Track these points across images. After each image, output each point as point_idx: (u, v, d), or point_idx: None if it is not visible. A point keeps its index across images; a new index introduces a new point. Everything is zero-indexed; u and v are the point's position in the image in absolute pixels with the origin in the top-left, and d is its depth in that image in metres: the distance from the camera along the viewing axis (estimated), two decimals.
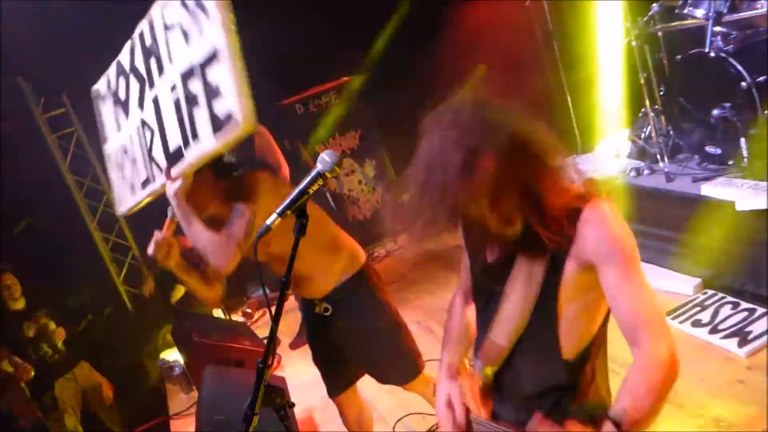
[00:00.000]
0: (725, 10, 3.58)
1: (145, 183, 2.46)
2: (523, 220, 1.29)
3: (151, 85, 2.33)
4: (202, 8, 1.95)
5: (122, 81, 2.57)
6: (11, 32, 4.40)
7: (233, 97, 1.86)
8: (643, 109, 4.28)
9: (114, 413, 4.41)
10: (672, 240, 3.70)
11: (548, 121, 1.35)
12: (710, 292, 3.36)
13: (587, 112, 5.00)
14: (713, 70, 3.56)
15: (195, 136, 2.08)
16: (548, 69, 5.17)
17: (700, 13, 3.71)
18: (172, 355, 4.57)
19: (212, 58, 1.93)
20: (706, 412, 2.59)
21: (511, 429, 1.40)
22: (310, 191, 1.46)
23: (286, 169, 4.25)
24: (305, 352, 4.51)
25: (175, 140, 2.21)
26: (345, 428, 2.74)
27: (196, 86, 2.04)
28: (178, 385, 4.41)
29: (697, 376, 2.81)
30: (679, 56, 3.84)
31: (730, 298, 3.24)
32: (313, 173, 1.46)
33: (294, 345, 4.59)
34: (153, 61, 2.30)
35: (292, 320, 4.67)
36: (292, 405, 1.50)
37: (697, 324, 3.14)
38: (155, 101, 2.31)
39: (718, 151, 3.71)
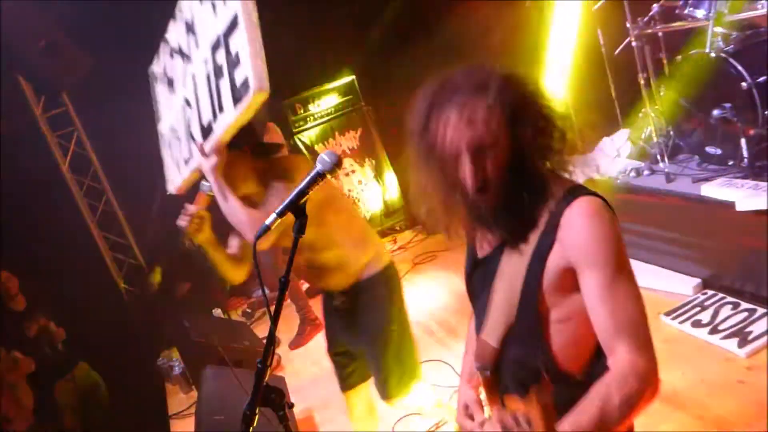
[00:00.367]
0: (726, 11, 3.58)
1: (187, 160, 2.47)
2: (503, 189, 1.25)
3: (190, 60, 2.34)
4: None
5: (169, 59, 2.58)
6: (11, 32, 4.40)
7: (248, 62, 1.86)
8: (643, 110, 4.28)
9: (113, 413, 4.41)
10: (672, 240, 3.70)
11: None
12: (710, 292, 3.36)
13: (587, 113, 5.00)
14: (713, 71, 3.56)
15: (221, 108, 2.08)
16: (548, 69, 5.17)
17: (700, 13, 3.71)
18: (172, 355, 4.58)
19: (233, 25, 1.94)
20: (706, 413, 2.59)
21: None
22: (310, 191, 1.46)
23: None
24: (305, 352, 4.55)
25: (206, 115, 2.22)
26: (346, 427, 2.74)
27: (221, 57, 2.05)
28: (178, 385, 4.42)
29: (697, 376, 2.81)
30: (679, 56, 3.84)
31: (730, 299, 3.24)
32: (313, 173, 1.47)
33: (293, 345, 4.59)
34: (191, 37, 2.31)
35: (291, 320, 4.67)
36: (291, 405, 1.50)
37: (697, 324, 3.13)
38: (193, 77, 2.32)
39: (718, 151, 3.71)
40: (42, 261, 4.71)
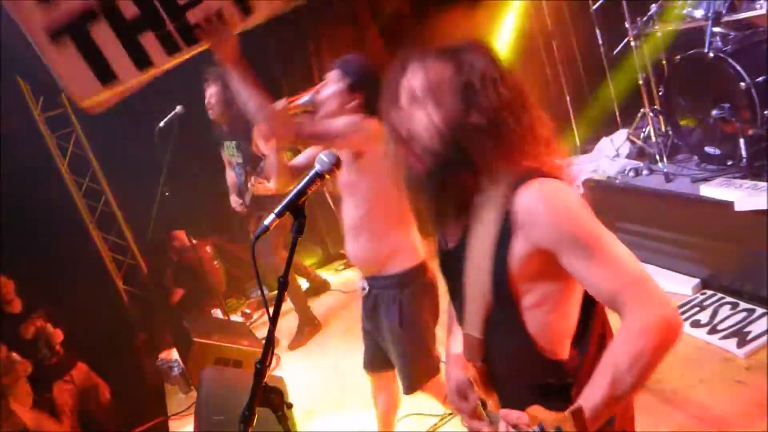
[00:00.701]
0: (724, 11, 3.59)
1: None
2: (437, 156, 1.26)
3: None
4: None
5: None
6: (11, 31, 4.39)
7: None
8: (642, 110, 4.28)
9: (112, 414, 4.40)
10: (671, 240, 3.70)
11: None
12: (709, 292, 3.36)
13: (586, 112, 5.01)
14: (712, 71, 3.56)
15: None
16: (547, 69, 5.18)
17: (699, 13, 3.72)
18: (171, 355, 4.57)
19: None
20: (705, 413, 2.59)
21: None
22: (309, 192, 1.45)
23: None
24: (304, 352, 4.55)
25: None
26: (345, 427, 2.74)
27: None
28: (177, 385, 4.41)
29: (696, 376, 2.82)
30: (678, 56, 3.84)
31: (729, 299, 3.24)
32: (311, 173, 1.47)
33: (293, 345, 4.58)
34: None
35: (291, 321, 4.67)
36: (290, 405, 1.49)
37: (696, 324, 3.14)
38: None
39: (717, 151, 3.71)
40: (41, 261, 4.71)
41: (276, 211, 1.43)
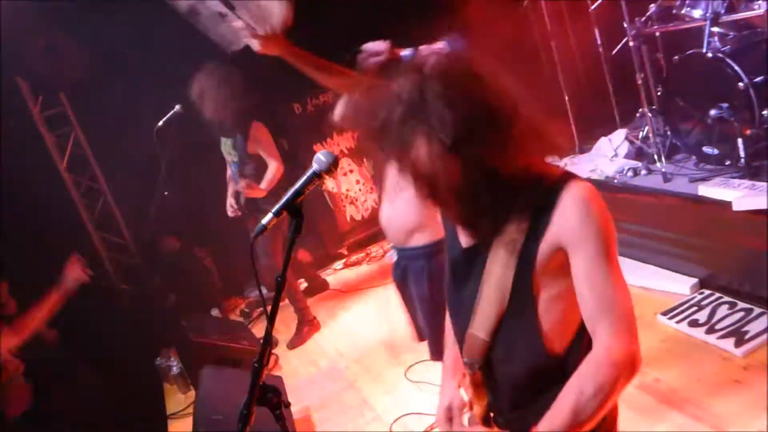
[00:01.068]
0: (723, 11, 3.59)
1: None
2: (467, 202, 1.24)
3: None
4: None
5: None
6: (10, 31, 4.40)
7: None
8: (640, 110, 4.29)
9: (111, 414, 4.40)
10: (669, 240, 3.70)
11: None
12: (707, 291, 3.37)
13: (585, 112, 5.01)
14: (711, 71, 3.57)
15: None
16: (546, 69, 5.18)
17: (697, 13, 3.72)
18: (170, 355, 4.57)
19: None
20: (703, 412, 2.60)
21: None
22: (306, 191, 1.45)
23: (280, 167, 4.23)
24: (303, 351, 4.55)
25: None
26: (344, 426, 2.74)
27: None
28: (176, 384, 4.41)
29: (693, 376, 2.82)
30: (676, 57, 3.84)
31: (726, 298, 3.25)
32: (309, 173, 1.46)
33: (291, 345, 4.59)
34: None
35: (289, 320, 4.68)
36: (288, 405, 1.49)
37: (694, 324, 3.14)
38: None
39: (716, 151, 3.71)
40: (40, 261, 4.70)
41: (273, 210, 1.43)
